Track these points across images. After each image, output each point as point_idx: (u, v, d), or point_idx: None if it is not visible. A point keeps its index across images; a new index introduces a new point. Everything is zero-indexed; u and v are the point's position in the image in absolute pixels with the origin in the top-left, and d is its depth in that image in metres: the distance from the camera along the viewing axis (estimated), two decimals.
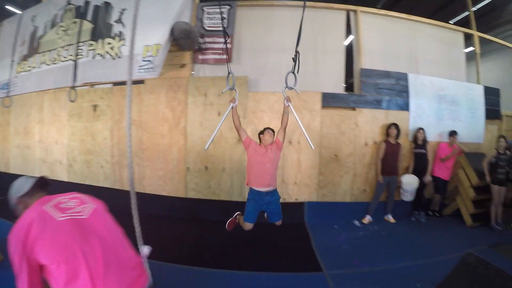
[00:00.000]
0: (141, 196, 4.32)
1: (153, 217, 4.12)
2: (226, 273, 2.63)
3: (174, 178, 4.23)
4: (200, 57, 4.43)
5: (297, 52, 2.60)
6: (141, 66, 4.46)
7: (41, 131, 5.28)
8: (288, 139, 4.03)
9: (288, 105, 2.71)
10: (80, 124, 4.76)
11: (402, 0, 7.60)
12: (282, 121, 2.79)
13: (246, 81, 4.10)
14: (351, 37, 4.65)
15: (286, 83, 2.70)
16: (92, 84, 4.76)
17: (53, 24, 5.63)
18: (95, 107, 4.62)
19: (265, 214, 2.94)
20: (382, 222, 4.09)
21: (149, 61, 4.39)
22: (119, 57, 4.64)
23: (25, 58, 5.88)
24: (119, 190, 4.45)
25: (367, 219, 4.04)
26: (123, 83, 4.53)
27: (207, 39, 4.42)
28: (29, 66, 5.78)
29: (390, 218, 4.14)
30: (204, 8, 4.55)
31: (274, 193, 2.83)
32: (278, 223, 2.92)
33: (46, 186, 1.36)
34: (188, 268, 2.69)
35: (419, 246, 3.35)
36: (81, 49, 5.06)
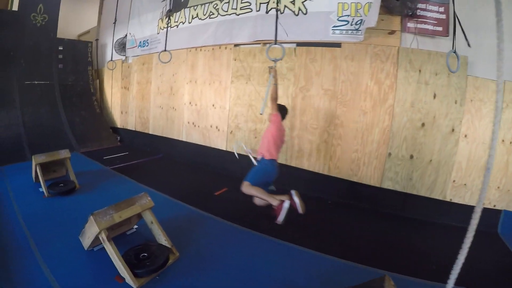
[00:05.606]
0: (324, 178, 3.85)
1: (337, 205, 3.59)
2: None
3: (370, 164, 3.58)
4: (410, 25, 3.56)
5: None
6: (335, 26, 3.74)
7: (192, 92, 4.91)
8: (501, 138, 3.30)
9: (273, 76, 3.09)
10: (250, 87, 4.24)
11: None
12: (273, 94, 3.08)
13: (465, 62, 3.25)
14: None
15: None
16: (265, 43, 4.17)
17: None
18: (271, 68, 4.05)
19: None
20: None
21: (346, 21, 3.65)
22: (304, 14, 3.94)
23: (168, 13, 5.47)
24: (291, 168, 3.96)
25: None
26: (310, 43, 3.87)
27: (419, 5, 3.51)
28: (175, 22, 5.37)
29: None
30: None
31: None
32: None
33: None
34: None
35: None
36: (248, 2, 4.46)
